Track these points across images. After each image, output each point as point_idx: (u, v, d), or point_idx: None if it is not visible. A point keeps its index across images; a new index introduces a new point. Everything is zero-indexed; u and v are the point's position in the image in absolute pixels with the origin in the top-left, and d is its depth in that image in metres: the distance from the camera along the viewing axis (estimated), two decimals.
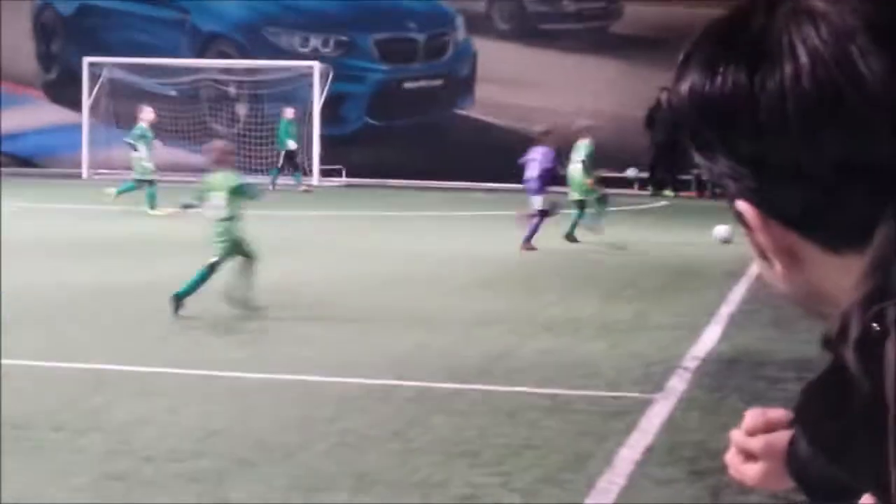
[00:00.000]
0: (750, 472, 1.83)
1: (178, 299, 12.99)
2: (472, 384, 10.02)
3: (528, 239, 19.33)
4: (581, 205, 20.74)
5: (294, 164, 32.75)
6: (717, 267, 17.51)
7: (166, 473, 7.49)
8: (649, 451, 8.12)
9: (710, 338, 12.20)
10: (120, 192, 25.78)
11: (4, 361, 10.51)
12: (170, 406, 9.17)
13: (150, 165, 26.11)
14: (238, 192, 13.60)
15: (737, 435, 1.85)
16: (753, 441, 1.82)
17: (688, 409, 9.28)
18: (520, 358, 11.11)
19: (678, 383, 10.16)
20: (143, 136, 26.39)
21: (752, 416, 1.85)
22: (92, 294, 14.51)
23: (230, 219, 13.41)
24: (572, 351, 11.43)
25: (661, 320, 13.14)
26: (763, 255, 1.28)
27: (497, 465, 7.73)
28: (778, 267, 1.27)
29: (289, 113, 32.79)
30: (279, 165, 32.43)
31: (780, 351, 11.58)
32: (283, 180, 31.95)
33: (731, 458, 1.86)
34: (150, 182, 25.78)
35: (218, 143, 14.46)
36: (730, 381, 10.31)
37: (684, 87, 1.27)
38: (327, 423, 8.73)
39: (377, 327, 12.54)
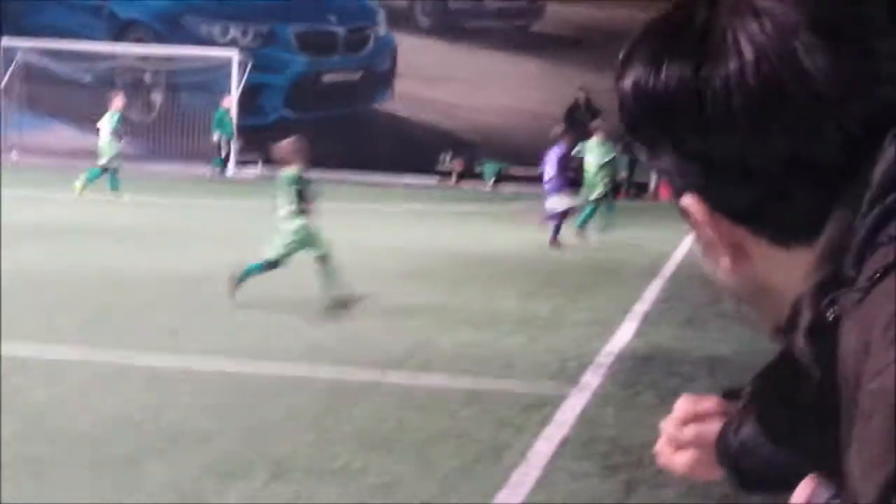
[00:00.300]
0: (680, 461, 1.84)
1: (238, 282, 13.09)
2: (391, 374, 10.02)
3: (555, 236, 19.65)
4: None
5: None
6: (632, 265, 17.67)
7: (80, 458, 7.42)
8: (564, 444, 8.17)
9: (624, 335, 12.30)
10: (91, 179, 25.60)
11: None
12: (82, 391, 9.09)
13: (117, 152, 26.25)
14: (293, 186, 13.31)
15: (667, 424, 1.85)
16: (684, 430, 1.84)
17: (602, 405, 9.35)
18: (438, 349, 11.13)
19: (593, 378, 10.23)
20: (118, 123, 26.44)
21: (683, 404, 1.86)
22: (10, 277, 14.33)
23: (298, 214, 13.27)
24: (491, 344, 11.47)
25: (577, 317, 13.23)
26: (709, 251, 1.29)
27: (415, 455, 7.74)
28: (725, 262, 1.27)
29: (227, 102, 32.54)
30: (223, 155, 32.26)
31: (693, 349, 11.70)
32: (202, 170, 31.75)
33: (662, 447, 1.87)
34: (115, 169, 25.82)
35: (286, 141, 13.99)
36: (644, 377, 10.39)
37: (627, 82, 1.26)
38: (244, 411, 8.69)
39: (297, 315, 12.50)
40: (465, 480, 7.26)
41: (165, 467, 7.27)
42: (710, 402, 1.84)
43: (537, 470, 7.53)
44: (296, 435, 8.09)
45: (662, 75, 1.21)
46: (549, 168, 20.42)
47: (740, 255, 1.26)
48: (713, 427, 1.81)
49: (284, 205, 13.33)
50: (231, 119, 32.54)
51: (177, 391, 9.20)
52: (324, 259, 13.37)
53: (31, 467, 7.19)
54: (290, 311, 12.85)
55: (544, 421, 8.73)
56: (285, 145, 13.72)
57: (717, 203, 1.24)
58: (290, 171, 13.40)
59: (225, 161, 32.36)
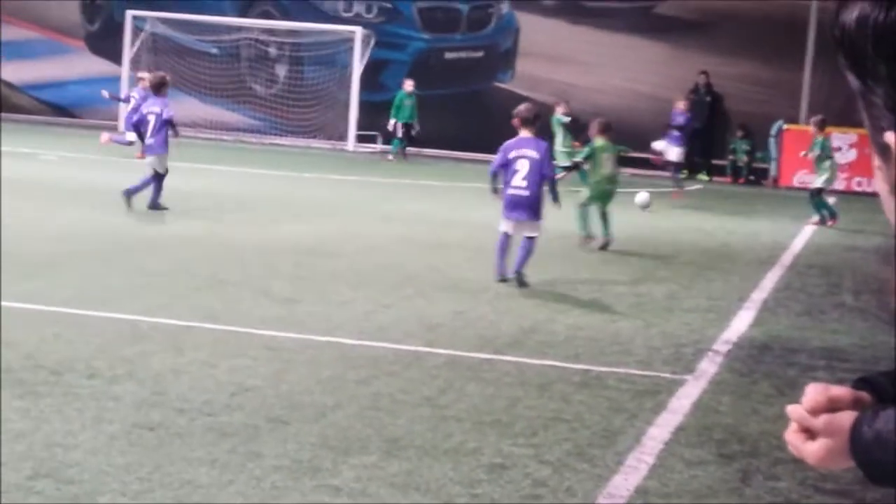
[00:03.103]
0: (810, 449, 1.83)
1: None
2: (504, 355, 10.05)
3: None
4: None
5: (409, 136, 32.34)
6: (750, 253, 17.49)
7: (199, 426, 7.55)
8: (679, 431, 8.14)
9: (741, 323, 12.19)
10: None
11: (41, 307, 10.63)
12: (204, 360, 9.23)
13: None
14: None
15: (797, 412, 1.85)
16: (816, 419, 1.83)
17: (718, 392, 9.29)
18: (552, 332, 11.13)
19: (709, 366, 10.16)
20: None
21: (814, 392, 1.85)
22: (129, 244, 14.61)
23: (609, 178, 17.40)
24: (604, 328, 11.44)
25: (691, 303, 13.14)
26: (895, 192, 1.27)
27: (528, 437, 7.76)
28: None
29: (408, 85, 32.25)
30: (399, 136, 32.10)
31: (811, 339, 11.58)
32: (321, 143, 31.95)
33: (792, 435, 1.86)
34: None
35: (595, 120, 17.92)
36: (760, 366, 10.30)
37: (851, 15, 1.25)
38: (360, 386, 8.77)
39: (412, 293, 12.57)
40: (579, 464, 7.26)
41: (282, 439, 7.37)
42: (841, 391, 1.83)
43: (651, 456, 7.51)
44: (410, 412, 8.15)
45: (894, 10, 1.21)
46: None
47: None
48: (845, 417, 1.80)
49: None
50: (410, 103, 32.08)
51: (295, 363, 9.32)
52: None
53: (152, 434, 7.33)
54: (405, 288, 12.93)
55: (658, 407, 8.70)
56: (595, 122, 17.74)
57: None
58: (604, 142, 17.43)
59: (405, 143, 32.03)
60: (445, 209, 20.89)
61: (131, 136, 24.86)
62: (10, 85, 38.13)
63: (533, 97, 34.20)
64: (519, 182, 13.39)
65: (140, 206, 17.58)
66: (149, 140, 18.37)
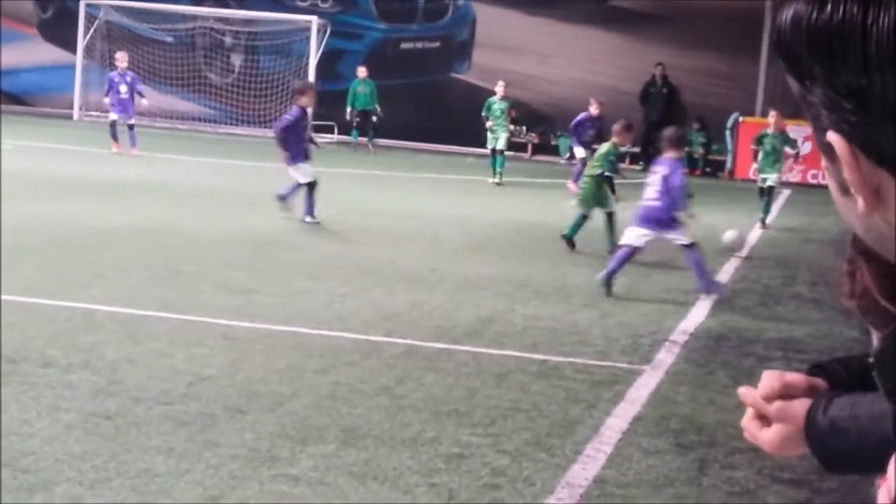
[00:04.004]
0: (765, 437, 1.83)
1: (569, 240, 15.65)
2: (461, 345, 10.05)
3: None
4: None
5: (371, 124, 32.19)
6: (706, 244, 17.52)
7: (155, 415, 7.51)
8: (637, 421, 8.16)
9: (698, 314, 12.24)
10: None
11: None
12: (161, 350, 9.18)
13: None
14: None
15: (750, 396, 1.85)
16: (770, 405, 1.83)
17: (675, 383, 9.32)
18: (509, 322, 11.14)
19: (666, 356, 10.20)
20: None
21: (769, 379, 1.85)
22: (85, 234, 14.51)
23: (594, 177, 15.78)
24: (562, 319, 11.46)
25: (649, 294, 13.18)
26: (844, 192, 1.27)
27: (486, 426, 7.76)
28: (860, 205, 1.26)
29: (361, 72, 32.09)
30: (355, 125, 32.00)
31: (767, 330, 11.64)
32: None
33: (748, 421, 1.86)
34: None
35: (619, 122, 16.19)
36: (717, 356, 10.35)
37: (787, 14, 1.25)
38: (317, 376, 8.75)
39: (369, 284, 12.55)
40: (537, 453, 7.27)
41: (239, 428, 7.34)
42: (796, 378, 1.84)
43: (609, 446, 7.53)
44: (368, 402, 8.13)
45: (828, 9, 1.21)
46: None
47: (877, 200, 1.25)
48: (800, 404, 1.80)
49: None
50: (366, 90, 31.87)
51: (252, 352, 9.28)
52: (610, 215, 15.54)
53: (109, 423, 7.28)
54: (364, 278, 12.91)
55: (616, 397, 8.72)
56: (617, 126, 15.91)
57: (865, 143, 1.22)
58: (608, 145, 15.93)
59: (372, 133, 31.91)
60: (402, 200, 20.87)
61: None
62: None
63: (490, 90, 34.28)
64: (651, 194, 13.48)
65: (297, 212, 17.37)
66: (286, 151, 17.32)
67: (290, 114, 17.91)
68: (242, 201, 19.11)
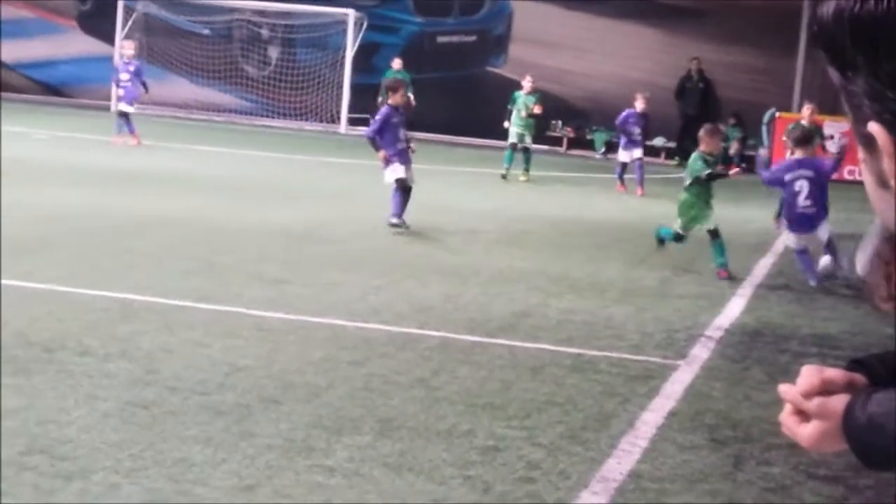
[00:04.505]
0: (804, 432, 1.83)
1: (662, 241, 14.83)
2: (496, 338, 10.05)
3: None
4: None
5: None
6: (742, 240, 17.47)
7: (192, 405, 7.54)
8: (672, 416, 8.14)
9: (733, 309, 12.20)
10: None
11: (34, 285, 10.60)
12: (196, 339, 9.22)
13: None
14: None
15: (790, 393, 1.84)
16: (810, 402, 1.82)
17: (710, 378, 9.29)
18: (544, 316, 11.13)
19: (701, 351, 10.17)
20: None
21: (808, 375, 1.84)
22: (121, 224, 14.58)
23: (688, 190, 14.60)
24: (597, 313, 11.44)
25: (684, 289, 13.14)
26: (882, 183, 1.27)
27: (521, 419, 7.76)
28: None
29: (396, 64, 31.85)
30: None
31: (802, 326, 11.60)
32: (314, 125, 31.87)
33: (786, 417, 1.85)
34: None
35: (705, 127, 15.17)
36: (753, 352, 10.31)
37: (829, 5, 1.26)
38: (352, 367, 8.77)
39: (403, 276, 12.56)
40: (572, 447, 7.27)
41: (275, 418, 7.37)
42: (835, 373, 1.83)
43: (644, 440, 7.52)
44: (403, 393, 8.15)
45: (871, 1, 1.21)
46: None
47: None
48: (839, 400, 1.79)
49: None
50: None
51: (286, 343, 9.30)
52: (713, 233, 14.24)
53: (146, 412, 7.32)
54: (397, 270, 12.92)
55: (651, 392, 8.70)
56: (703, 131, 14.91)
57: None
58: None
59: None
60: (437, 193, 20.87)
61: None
62: (3, 64, 38.01)
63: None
64: (803, 202, 13.90)
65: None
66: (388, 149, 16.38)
67: (381, 113, 16.84)
68: (277, 193, 19.15)
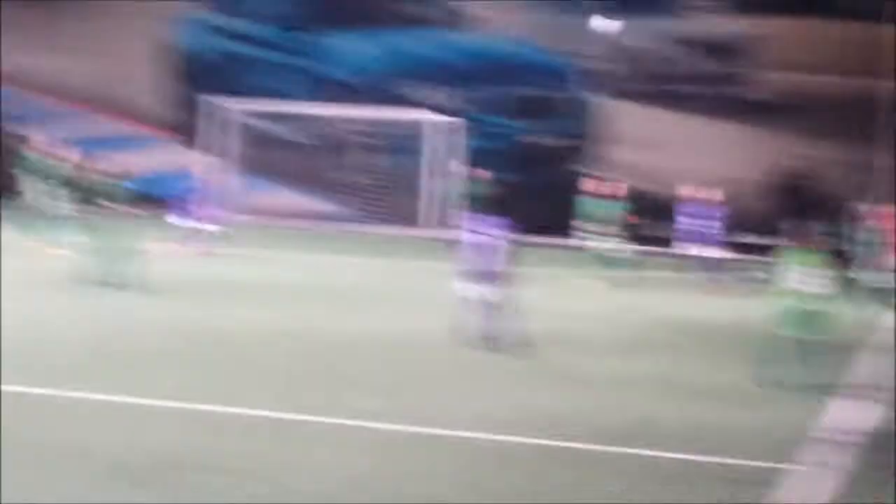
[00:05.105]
0: None
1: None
2: (625, 447, 10.09)
3: None
4: None
5: None
6: (848, 339, 17.20)
7: None
8: None
9: (860, 412, 12.12)
10: None
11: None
12: (314, 452, 9.44)
13: None
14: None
15: None
16: None
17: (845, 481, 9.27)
18: (664, 422, 11.15)
19: (825, 455, 10.14)
20: None
21: None
22: (243, 339, 14.74)
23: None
24: (719, 417, 11.43)
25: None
26: None
27: None
28: None
29: (481, 173, 32.00)
30: None
31: None
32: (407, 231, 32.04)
33: None
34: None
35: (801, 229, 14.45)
36: (875, 456, 10.27)
37: None
38: (484, 480, 8.82)
39: (512, 384, 12.62)
40: None
41: None
42: None
43: None
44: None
45: None
46: None
47: None
48: None
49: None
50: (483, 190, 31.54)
51: (415, 457, 9.40)
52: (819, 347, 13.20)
53: None
54: (507, 377, 12.97)
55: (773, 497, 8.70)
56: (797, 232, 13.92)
57: None
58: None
59: None
60: (541, 298, 20.83)
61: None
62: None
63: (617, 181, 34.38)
64: None
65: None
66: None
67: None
68: (378, 300, 19.26)
